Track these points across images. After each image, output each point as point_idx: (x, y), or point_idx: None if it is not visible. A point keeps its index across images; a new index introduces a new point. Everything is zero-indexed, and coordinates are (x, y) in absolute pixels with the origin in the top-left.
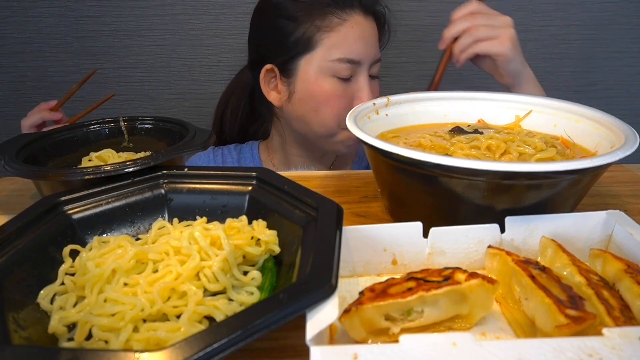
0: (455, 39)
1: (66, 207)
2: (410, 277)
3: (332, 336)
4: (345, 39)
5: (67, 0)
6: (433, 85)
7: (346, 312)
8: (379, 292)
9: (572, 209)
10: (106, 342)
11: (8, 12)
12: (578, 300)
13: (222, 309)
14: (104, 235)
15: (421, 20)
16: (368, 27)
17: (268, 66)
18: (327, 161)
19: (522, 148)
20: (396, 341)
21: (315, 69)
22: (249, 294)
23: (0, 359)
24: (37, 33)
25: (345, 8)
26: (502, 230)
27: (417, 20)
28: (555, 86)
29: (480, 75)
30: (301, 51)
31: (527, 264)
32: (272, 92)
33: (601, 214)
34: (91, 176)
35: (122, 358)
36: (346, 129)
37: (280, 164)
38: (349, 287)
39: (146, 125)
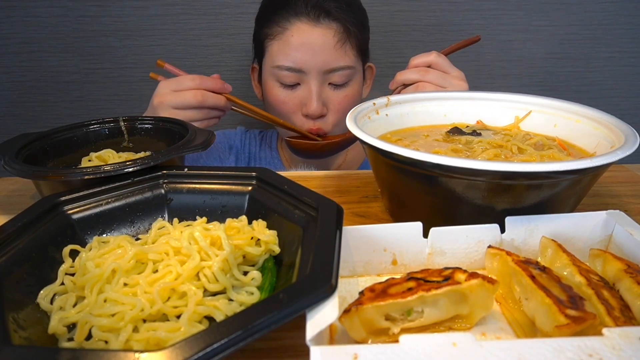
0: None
1: (66, 207)
2: (410, 277)
3: (332, 336)
4: (286, 47)
5: (67, 0)
6: None
7: (346, 312)
8: (379, 292)
9: (572, 209)
10: (106, 342)
11: (8, 12)
12: (578, 300)
13: (222, 309)
14: (104, 235)
15: (421, 20)
16: (317, 35)
17: (254, 65)
18: (326, 163)
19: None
20: (396, 341)
21: (266, 73)
22: (249, 294)
23: (0, 359)
24: (37, 33)
25: (289, 17)
26: (502, 230)
27: (417, 20)
28: (555, 86)
29: (480, 75)
30: (261, 55)
31: (527, 264)
32: (257, 88)
33: (601, 214)
34: (91, 176)
35: (122, 358)
36: None
37: (289, 154)
38: (349, 287)
39: (146, 125)
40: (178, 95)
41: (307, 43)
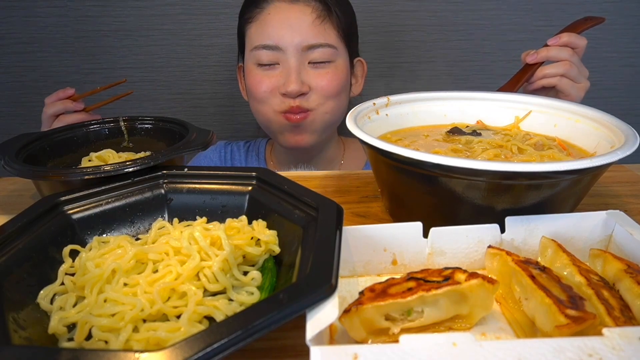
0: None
1: (66, 207)
2: (410, 277)
3: (332, 336)
4: (263, 26)
5: (68, 0)
6: (505, 88)
7: (346, 312)
8: (379, 292)
9: (572, 209)
10: (106, 342)
11: (8, 12)
12: (578, 300)
13: (222, 309)
14: (104, 235)
15: (421, 20)
16: (294, 12)
17: (239, 65)
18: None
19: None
20: (396, 341)
21: (246, 61)
22: (249, 294)
23: (0, 359)
24: (37, 33)
25: None
26: (502, 230)
27: (417, 20)
28: None
29: (480, 75)
30: (241, 45)
31: (527, 264)
32: (244, 90)
33: (601, 214)
34: (91, 176)
35: (122, 358)
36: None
37: (277, 162)
38: (349, 287)
39: (146, 125)
40: (44, 113)
41: (283, 19)
